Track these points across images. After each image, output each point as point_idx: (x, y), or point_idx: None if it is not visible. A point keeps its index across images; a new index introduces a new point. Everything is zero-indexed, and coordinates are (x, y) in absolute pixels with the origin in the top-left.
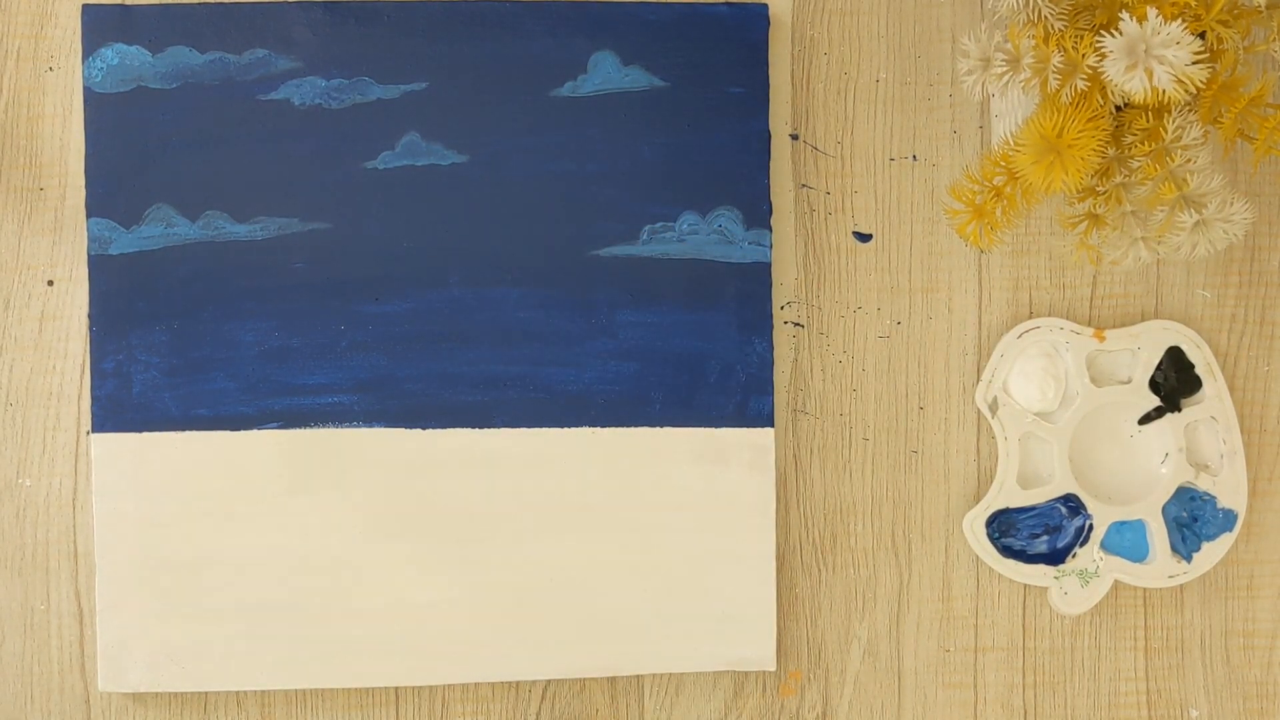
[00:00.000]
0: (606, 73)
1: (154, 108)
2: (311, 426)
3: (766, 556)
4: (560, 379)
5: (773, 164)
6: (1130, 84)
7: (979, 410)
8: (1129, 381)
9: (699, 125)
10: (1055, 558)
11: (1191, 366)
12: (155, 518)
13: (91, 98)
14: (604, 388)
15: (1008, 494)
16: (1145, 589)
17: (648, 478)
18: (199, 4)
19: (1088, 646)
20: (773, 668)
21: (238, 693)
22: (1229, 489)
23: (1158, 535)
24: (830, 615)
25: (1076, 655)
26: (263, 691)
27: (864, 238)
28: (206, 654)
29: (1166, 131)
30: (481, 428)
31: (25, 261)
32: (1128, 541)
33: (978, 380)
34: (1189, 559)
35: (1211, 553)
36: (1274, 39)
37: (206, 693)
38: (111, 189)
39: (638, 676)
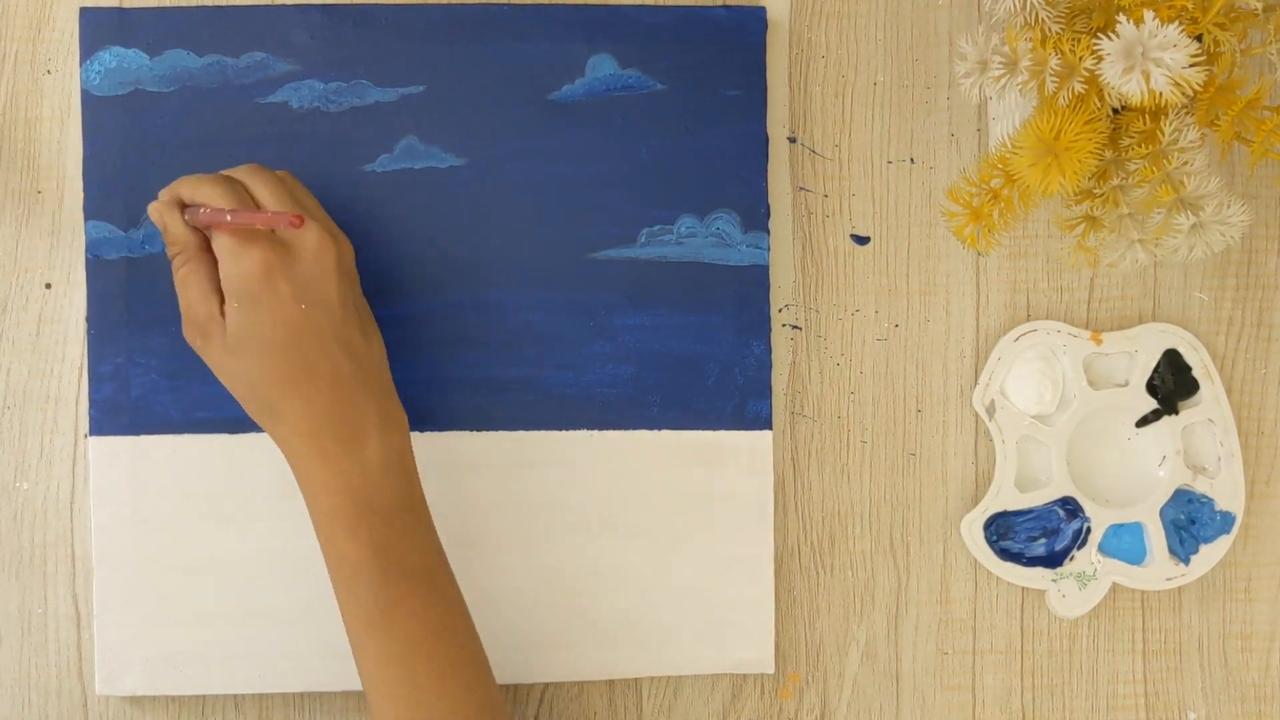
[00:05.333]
0: (604, 76)
1: (152, 111)
2: None
3: (764, 559)
4: (558, 382)
5: (770, 167)
6: (1127, 86)
7: (977, 413)
8: (1126, 384)
9: (697, 128)
10: (1053, 560)
11: (1189, 369)
12: (153, 521)
13: (89, 100)
14: (602, 390)
15: (1005, 497)
16: (1143, 592)
17: (645, 480)
18: (197, 7)
19: (1086, 649)
20: (771, 670)
21: (235, 696)
22: (1226, 491)
23: (1155, 538)
24: (828, 618)
25: (1075, 658)
26: (261, 695)
27: (862, 240)
28: (204, 657)
29: (1163, 134)
30: (479, 430)
31: (23, 264)
32: (1125, 544)
33: (975, 383)
34: (1187, 561)
35: (1209, 555)
36: (1271, 42)
37: (204, 696)
38: (109, 192)
39: (636, 679)
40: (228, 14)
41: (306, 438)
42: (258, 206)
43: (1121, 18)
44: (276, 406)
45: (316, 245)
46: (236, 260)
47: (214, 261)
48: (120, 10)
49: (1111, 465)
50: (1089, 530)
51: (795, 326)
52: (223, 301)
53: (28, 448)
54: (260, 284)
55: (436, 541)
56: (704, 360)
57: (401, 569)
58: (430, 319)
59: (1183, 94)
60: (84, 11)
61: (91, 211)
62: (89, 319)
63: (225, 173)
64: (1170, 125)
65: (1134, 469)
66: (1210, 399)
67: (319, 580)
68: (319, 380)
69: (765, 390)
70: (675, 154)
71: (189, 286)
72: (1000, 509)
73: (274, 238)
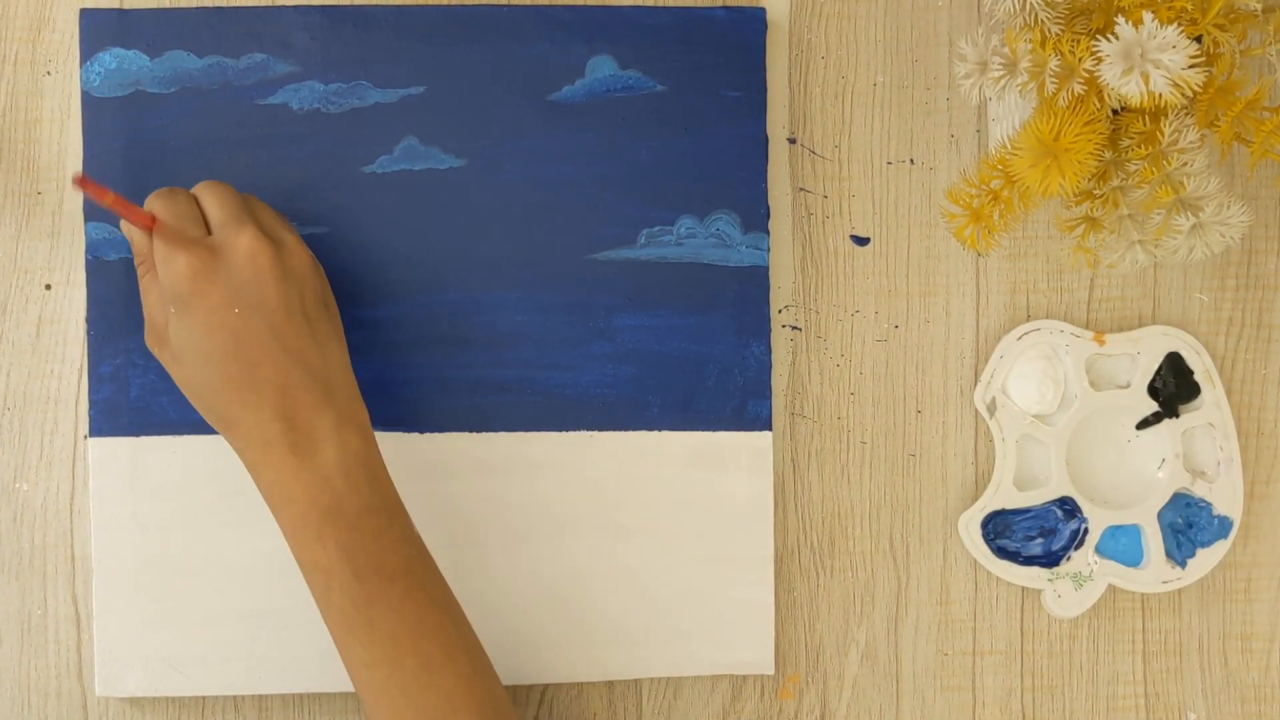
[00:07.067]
0: (604, 77)
1: (152, 112)
2: None
3: (764, 560)
4: (558, 383)
5: (770, 168)
6: (1127, 88)
7: (977, 414)
8: (1128, 386)
9: (697, 129)
10: (1050, 560)
11: (1191, 373)
12: (153, 522)
13: (89, 102)
14: (602, 391)
15: (1004, 495)
16: (1143, 593)
17: (645, 481)
18: (197, 8)
19: (1086, 650)
20: (771, 671)
21: (235, 697)
22: (1225, 496)
23: (1153, 541)
24: (828, 619)
25: (1075, 659)
26: (260, 696)
27: (861, 241)
28: (204, 659)
29: (1163, 135)
30: (479, 431)
31: (23, 265)
32: (1122, 546)
33: (975, 384)
34: (1183, 565)
35: (1206, 559)
36: (1270, 43)
37: (204, 697)
38: None
39: (635, 680)
40: (228, 15)
41: (259, 447)
42: (206, 221)
43: (1121, 19)
44: (224, 415)
45: (250, 248)
46: (166, 265)
47: None
48: (120, 11)
49: (1111, 467)
50: (1086, 531)
51: (795, 327)
52: None
53: (27, 448)
54: (188, 287)
55: (415, 539)
56: (704, 361)
57: (376, 571)
58: (429, 320)
59: (1182, 95)
60: (84, 12)
61: (91, 213)
62: (89, 320)
63: (196, 188)
64: (1170, 126)
65: (1133, 471)
66: (1211, 403)
67: None
68: (264, 388)
69: (765, 391)
70: (675, 155)
71: (147, 294)
72: (998, 507)
73: (206, 242)
